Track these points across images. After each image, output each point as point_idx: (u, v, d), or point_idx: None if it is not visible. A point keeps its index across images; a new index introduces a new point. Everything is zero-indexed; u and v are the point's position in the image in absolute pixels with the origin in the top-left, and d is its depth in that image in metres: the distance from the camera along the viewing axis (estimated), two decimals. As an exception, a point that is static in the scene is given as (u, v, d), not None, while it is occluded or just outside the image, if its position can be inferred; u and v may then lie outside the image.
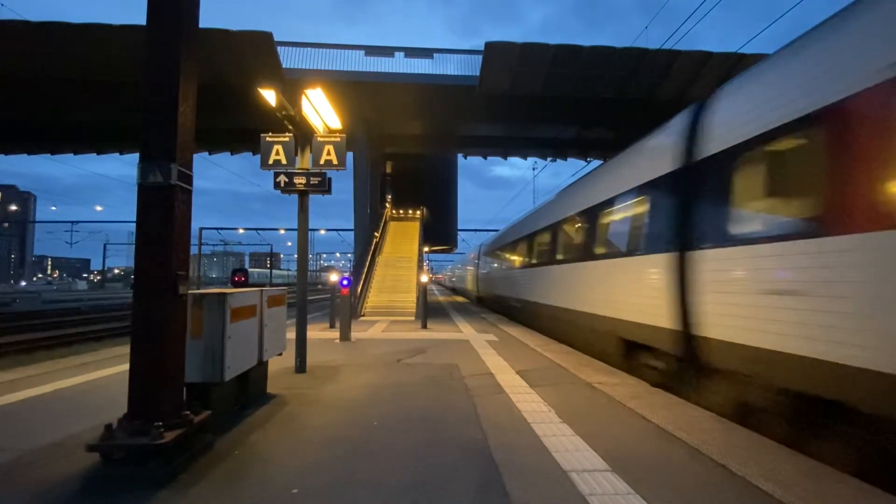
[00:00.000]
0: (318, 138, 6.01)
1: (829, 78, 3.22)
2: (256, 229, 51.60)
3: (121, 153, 23.58)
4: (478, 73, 17.68)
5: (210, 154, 24.19)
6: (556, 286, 9.13)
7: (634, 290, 5.74)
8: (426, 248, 33.03)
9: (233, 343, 3.61)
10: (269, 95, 5.30)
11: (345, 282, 9.28)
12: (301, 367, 5.71)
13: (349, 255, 52.95)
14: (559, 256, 9.23)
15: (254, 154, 22.31)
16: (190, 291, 3.23)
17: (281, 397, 4.53)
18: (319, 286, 51.65)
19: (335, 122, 6.33)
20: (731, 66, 16.33)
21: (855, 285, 2.88)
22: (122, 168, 25.12)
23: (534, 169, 34.71)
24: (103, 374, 5.61)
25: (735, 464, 2.86)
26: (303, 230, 6.10)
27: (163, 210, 2.90)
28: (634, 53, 16.66)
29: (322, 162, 5.94)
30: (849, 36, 3.21)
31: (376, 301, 14.66)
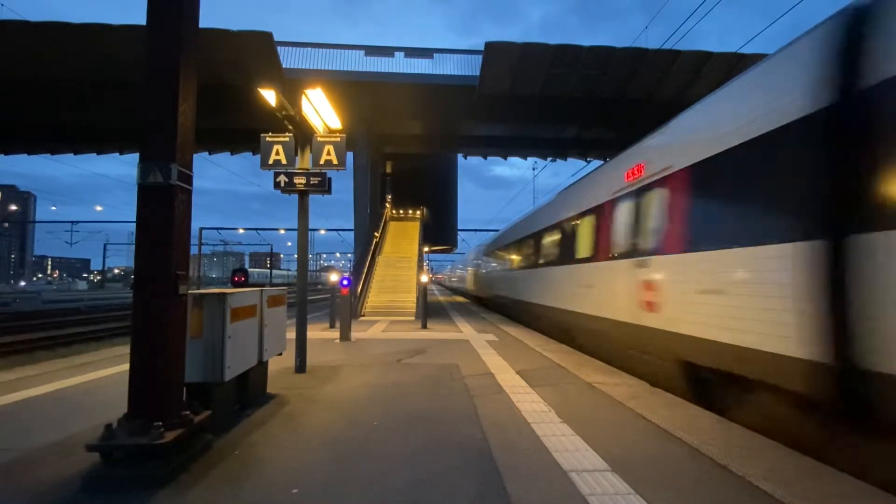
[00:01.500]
0: (318, 138, 6.01)
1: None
2: (256, 229, 51.66)
3: (121, 153, 23.57)
4: (478, 73, 17.69)
5: (210, 154, 24.18)
6: None
7: None
8: (426, 248, 32.99)
9: (233, 343, 3.61)
10: (269, 95, 5.30)
11: (345, 282, 9.29)
12: (301, 366, 5.71)
13: (349, 255, 52.94)
14: None
15: (254, 154, 22.30)
16: (190, 291, 3.23)
17: (281, 397, 4.53)
18: (319, 286, 51.66)
19: (335, 122, 6.33)
20: (732, 66, 16.33)
21: None
22: (122, 168, 25.04)
23: (534, 169, 34.76)
24: (103, 374, 5.61)
25: (735, 464, 2.86)
26: (303, 230, 6.10)
27: (163, 210, 2.89)
28: (634, 53, 16.67)
29: (322, 162, 5.94)
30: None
31: (376, 301, 14.66)
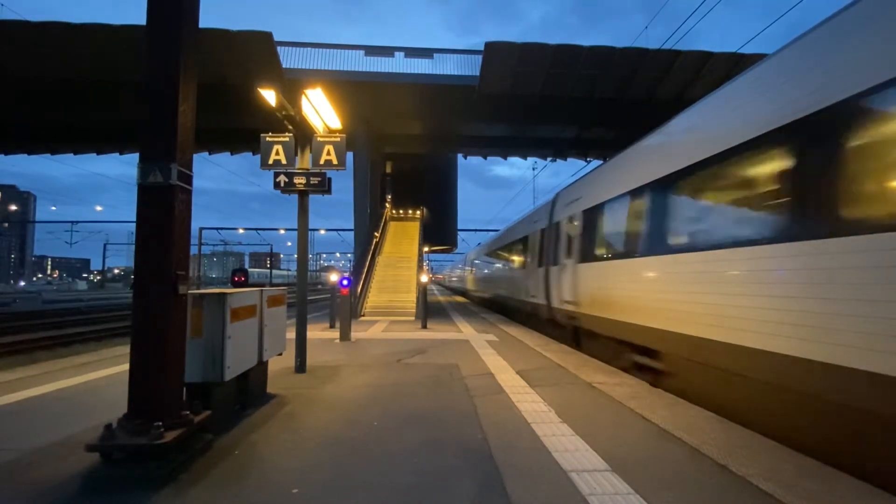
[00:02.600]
0: (318, 138, 6.01)
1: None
2: (256, 229, 51.65)
3: (121, 153, 23.58)
4: (478, 73, 17.69)
5: (210, 154, 24.20)
6: None
7: None
8: (426, 249, 32.96)
9: (233, 343, 3.61)
10: (269, 95, 5.30)
11: (345, 282, 9.28)
12: (301, 367, 5.71)
13: (349, 255, 52.94)
14: None
15: (254, 154, 22.29)
16: (190, 291, 3.23)
17: (281, 397, 4.53)
18: (319, 286, 51.66)
19: (335, 122, 6.33)
20: (732, 66, 16.33)
21: None
22: (120, 167, 25.09)
23: (534, 169, 34.77)
24: (103, 374, 5.61)
25: (735, 464, 2.86)
26: (303, 230, 6.09)
27: (163, 210, 2.90)
28: (634, 53, 16.67)
29: (322, 162, 5.94)
30: None
31: (376, 301, 14.66)
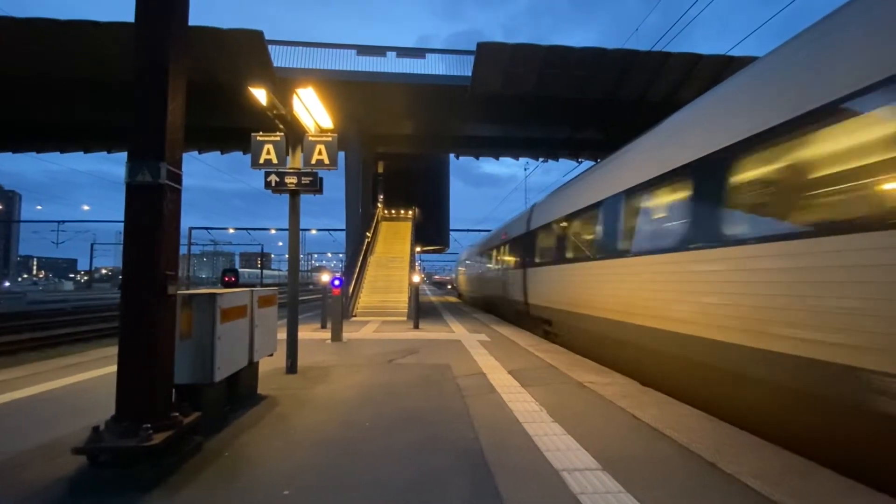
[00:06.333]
0: (310, 138, 5.98)
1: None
2: (247, 229, 51.24)
3: (109, 152, 23.22)
4: (469, 73, 17.71)
5: (200, 153, 23.94)
6: None
7: None
8: (418, 249, 32.94)
9: (223, 344, 3.58)
10: (260, 94, 5.26)
11: (336, 282, 9.24)
12: (292, 367, 5.67)
13: (340, 255, 52.70)
14: None
15: (244, 153, 22.11)
16: (179, 292, 3.20)
17: (272, 398, 4.50)
18: (311, 286, 51.39)
19: (327, 122, 6.30)
20: (721, 68, 16.50)
21: None
22: (93, 164, 24.72)
23: (525, 169, 34.92)
24: (91, 375, 5.53)
25: (724, 461, 2.89)
26: (294, 230, 6.06)
27: (151, 209, 2.86)
28: (625, 55, 16.76)
29: (313, 161, 5.92)
30: None
31: (368, 301, 14.61)
